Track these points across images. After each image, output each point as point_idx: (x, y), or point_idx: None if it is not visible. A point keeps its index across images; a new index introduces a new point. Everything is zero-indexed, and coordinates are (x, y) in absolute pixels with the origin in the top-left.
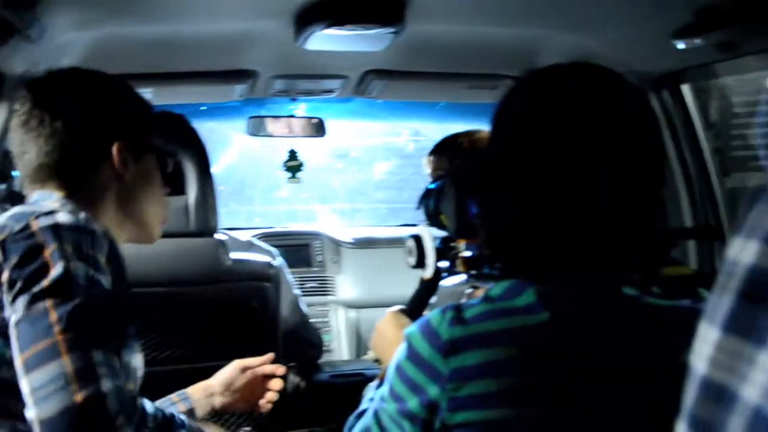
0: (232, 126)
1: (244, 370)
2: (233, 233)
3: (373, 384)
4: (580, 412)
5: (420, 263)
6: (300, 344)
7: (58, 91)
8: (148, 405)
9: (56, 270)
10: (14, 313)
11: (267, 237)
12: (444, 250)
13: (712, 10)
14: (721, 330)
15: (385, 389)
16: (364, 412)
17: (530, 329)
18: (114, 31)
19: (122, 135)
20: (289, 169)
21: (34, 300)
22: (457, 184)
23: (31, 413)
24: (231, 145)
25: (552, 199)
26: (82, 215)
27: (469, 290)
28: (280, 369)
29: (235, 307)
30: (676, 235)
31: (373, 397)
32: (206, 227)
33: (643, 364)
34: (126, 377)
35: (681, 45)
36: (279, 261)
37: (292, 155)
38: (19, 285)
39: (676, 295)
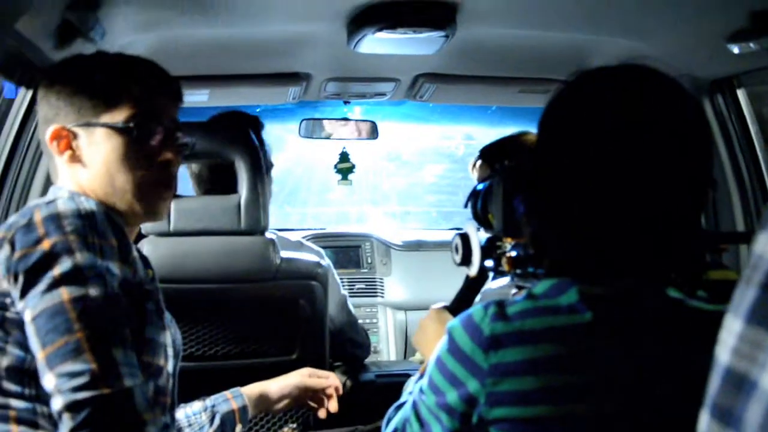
0: (286, 128)
1: (306, 390)
2: (284, 234)
3: (414, 377)
4: (619, 413)
5: (465, 261)
6: (347, 344)
7: (46, 79)
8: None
9: (65, 263)
10: (27, 308)
11: (318, 238)
12: (490, 248)
13: (767, 13)
14: (744, 321)
15: (424, 382)
16: (403, 404)
17: (572, 329)
18: (172, 34)
19: (59, 118)
20: (340, 171)
21: (47, 293)
22: (505, 183)
23: (57, 404)
24: (285, 148)
25: (597, 201)
26: (82, 199)
27: (514, 291)
28: (340, 387)
29: (283, 305)
30: (723, 240)
31: (413, 390)
32: (257, 226)
33: (684, 366)
34: (152, 353)
35: (735, 49)
36: (327, 261)
37: (344, 157)
38: (22, 278)
39: (722, 300)
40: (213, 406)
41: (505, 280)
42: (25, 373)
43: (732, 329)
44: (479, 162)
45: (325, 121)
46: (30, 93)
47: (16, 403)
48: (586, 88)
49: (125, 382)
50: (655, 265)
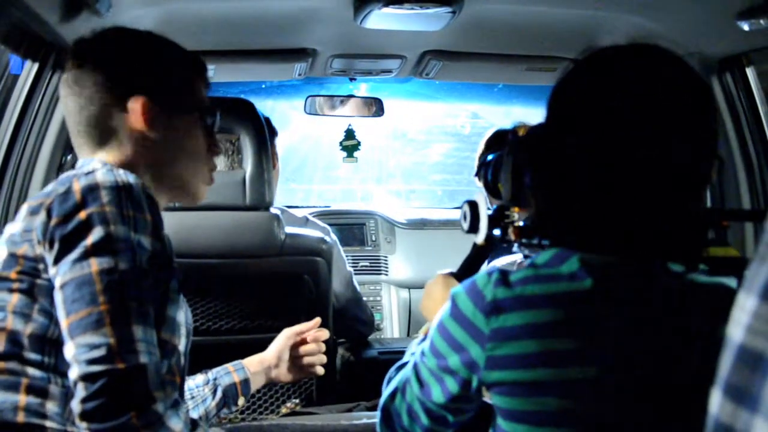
0: (291, 105)
1: (292, 336)
2: (290, 210)
3: (417, 339)
4: (616, 378)
5: (473, 228)
6: (351, 320)
7: (92, 48)
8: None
9: (98, 233)
10: (58, 275)
11: (323, 216)
12: (498, 217)
13: None
14: (758, 298)
15: (426, 344)
16: (405, 365)
17: (573, 295)
18: (179, 8)
19: (144, 90)
20: (345, 148)
21: (77, 263)
22: (515, 154)
23: (73, 374)
24: (290, 125)
25: (601, 176)
26: (121, 172)
27: (520, 260)
28: (324, 333)
29: (287, 280)
30: (725, 216)
31: (414, 351)
32: (261, 201)
33: (681, 334)
34: (170, 331)
35: (746, 26)
36: (333, 237)
37: (349, 134)
38: (57, 245)
39: (722, 275)
40: (215, 379)
41: (514, 257)
42: (47, 342)
43: (745, 307)
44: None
45: (330, 98)
46: (36, 66)
47: (32, 371)
48: (594, 66)
49: (141, 359)
50: (656, 239)
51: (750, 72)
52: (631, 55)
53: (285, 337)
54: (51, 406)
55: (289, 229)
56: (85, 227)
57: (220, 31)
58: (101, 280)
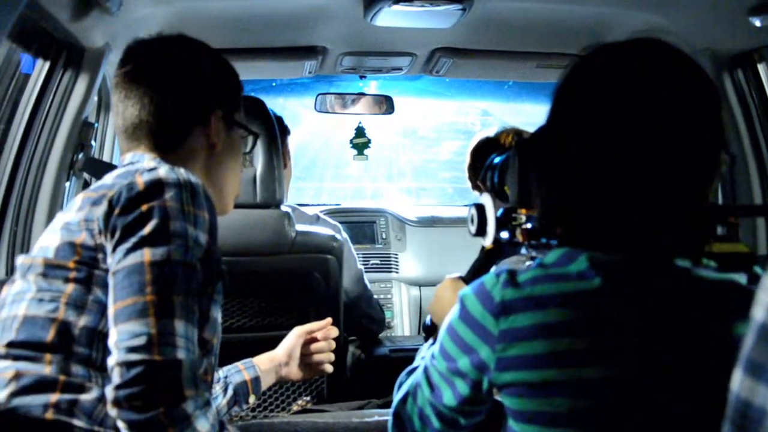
0: (302, 103)
1: (303, 335)
2: (301, 208)
3: (427, 344)
4: (626, 377)
5: (480, 231)
6: (362, 318)
7: (163, 53)
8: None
9: (156, 225)
10: (114, 262)
11: (333, 213)
12: (505, 220)
13: None
14: None
15: (436, 348)
16: (415, 369)
17: (582, 294)
18: (189, 7)
19: (221, 105)
20: (356, 146)
21: (132, 252)
22: (521, 155)
23: (112, 360)
24: (301, 123)
25: (607, 172)
26: (182, 170)
27: (529, 262)
28: (333, 331)
29: (298, 278)
30: (732, 213)
31: (425, 356)
32: (272, 199)
33: (691, 332)
34: (212, 331)
35: (757, 22)
36: (343, 235)
37: (360, 132)
38: (118, 234)
39: (731, 271)
40: (225, 377)
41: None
42: (98, 335)
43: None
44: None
45: (341, 96)
46: (47, 65)
47: (75, 368)
48: (598, 62)
49: (178, 354)
50: (664, 236)
51: (762, 68)
52: (634, 51)
53: (295, 336)
54: (82, 405)
55: (299, 227)
56: (145, 218)
57: (230, 29)
58: (152, 270)
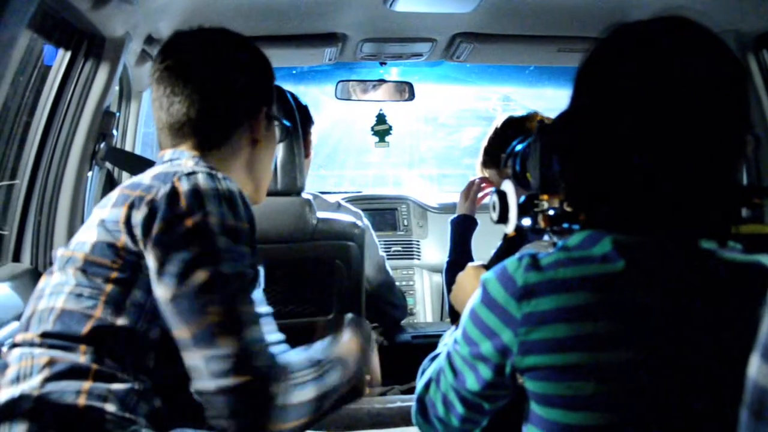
0: (322, 90)
1: None
2: (322, 196)
3: (450, 330)
4: (650, 361)
5: (502, 218)
6: (384, 305)
7: (211, 49)
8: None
9: (203, 245)
10: (164, 286)
11: (355, 201)
12: (527, 206)
13: None
14: None
15: (459, 333)
16: (438, 355)
17: (605, 277)
18: None
19: (265, 101)
20: (377, 133)
21: (185, 277)
22: (543, 140)
23: (203, 385)
24: (322, 110)
25: (631, 154)
26: (220, 176)
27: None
28: None
29: (320, 265)
30: (757, 193)
31: (447, 342)
32: (293, 187)
33: (714, 314)
34: None
35: None
36: (365, 222)
37: (381, 119)
38: (163, 253)
39: (756, 252)
40: None
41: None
42: (133, 336)
43: None
44: (485, 169)
45: (361, 83)
46: (68, 55)
47: (108, 361)
48: (623, 42)
49: (261, 360)
50: (688, 217)
51: None
52: (658, 29)
53: None
54: (115, 392)
55: (321, 214)
56: (190, 238)
57: (249, 17)
58: (211, 290)
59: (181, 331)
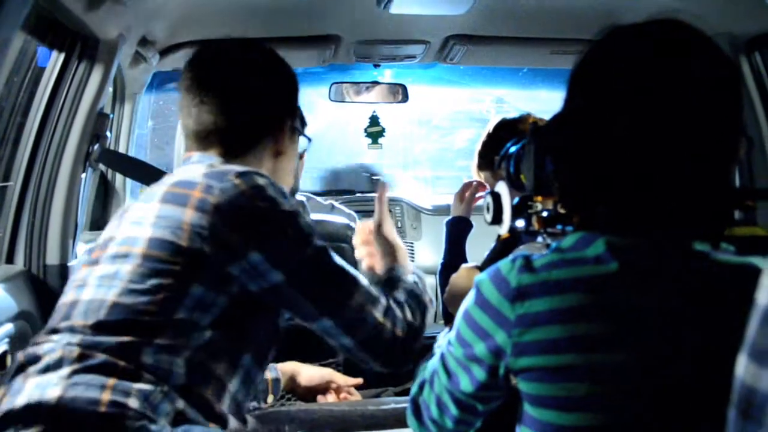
0: (316, 92)
1: (331, 381)
2: (316, 197)
3: (444, 332)
4: (644, 362)
5: (496, 220)
6: None
7: (242, 62)
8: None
9: (297, 226)
10: (280, 274)
11: (348, 202)
12: (521, 208)
13: None
14: None
15: (452, 334)
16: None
17: (598, 278)
18: None
19: (291, 114)
20: (370, 135)
21: (294, 258)
22: (537, 142)
23: (344, 342)
24: (315, 112)
25: (624, 156)
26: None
27: (545, 252)
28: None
29: None
30: (750, 196)
31: (441, 343)
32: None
33: (709, 315)
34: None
35: None
36: (358, 223)
37: (374, 121)
38: (258, 245)
39: (749, 255)
40: None
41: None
42: (189, 326)
43: None
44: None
45: (355, 85)
46: (62, 56)
47: (145, 358)
48: (616, 44)
49: (381, 305)
50: (682, 219)
51: None
52: (652, 31)
53: (322, 379)
54: (139, 389)
55: (314, 216)
56: (284, 224)
57: (243, 18)
58: (329, 264)
59: (305, 306)
